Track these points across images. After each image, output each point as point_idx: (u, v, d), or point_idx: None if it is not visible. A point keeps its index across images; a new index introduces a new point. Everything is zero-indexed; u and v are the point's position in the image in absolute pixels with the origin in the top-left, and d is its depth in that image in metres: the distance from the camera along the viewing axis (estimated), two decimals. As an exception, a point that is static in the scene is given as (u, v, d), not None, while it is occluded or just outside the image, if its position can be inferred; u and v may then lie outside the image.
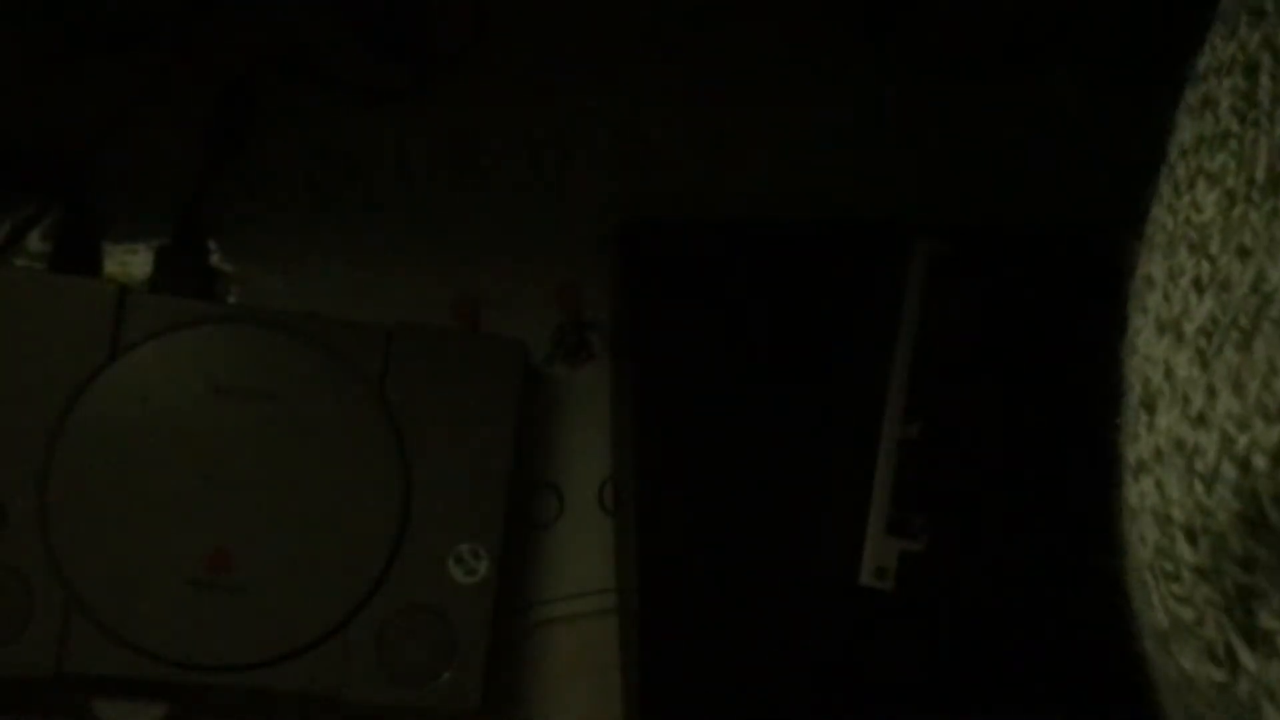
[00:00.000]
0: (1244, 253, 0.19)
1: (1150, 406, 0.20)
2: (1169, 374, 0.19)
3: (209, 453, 0.38)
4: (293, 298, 0.43)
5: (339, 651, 0.37)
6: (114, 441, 0.37)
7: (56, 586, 0.36)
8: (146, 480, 0.37)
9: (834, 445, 0.41)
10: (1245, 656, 0.17)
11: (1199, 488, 0.18)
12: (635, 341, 0.41)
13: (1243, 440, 0.17)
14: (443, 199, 0.45)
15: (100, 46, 0.44)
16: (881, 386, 0.41)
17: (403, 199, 0.44)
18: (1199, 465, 0.18)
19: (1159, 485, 0.19)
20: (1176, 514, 0.18)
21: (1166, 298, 0.20)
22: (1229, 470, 0.17)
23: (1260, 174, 0.19)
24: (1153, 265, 0.21)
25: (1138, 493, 0.20)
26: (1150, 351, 0.20)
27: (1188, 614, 0.18)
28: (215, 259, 0.43)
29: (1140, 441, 0.20)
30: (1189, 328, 0.19)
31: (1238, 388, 0.17)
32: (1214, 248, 0.20)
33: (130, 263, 0.43)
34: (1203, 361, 0.19)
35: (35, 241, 0.42)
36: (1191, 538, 0.18)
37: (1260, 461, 0.17)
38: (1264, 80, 0.20)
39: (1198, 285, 0.20)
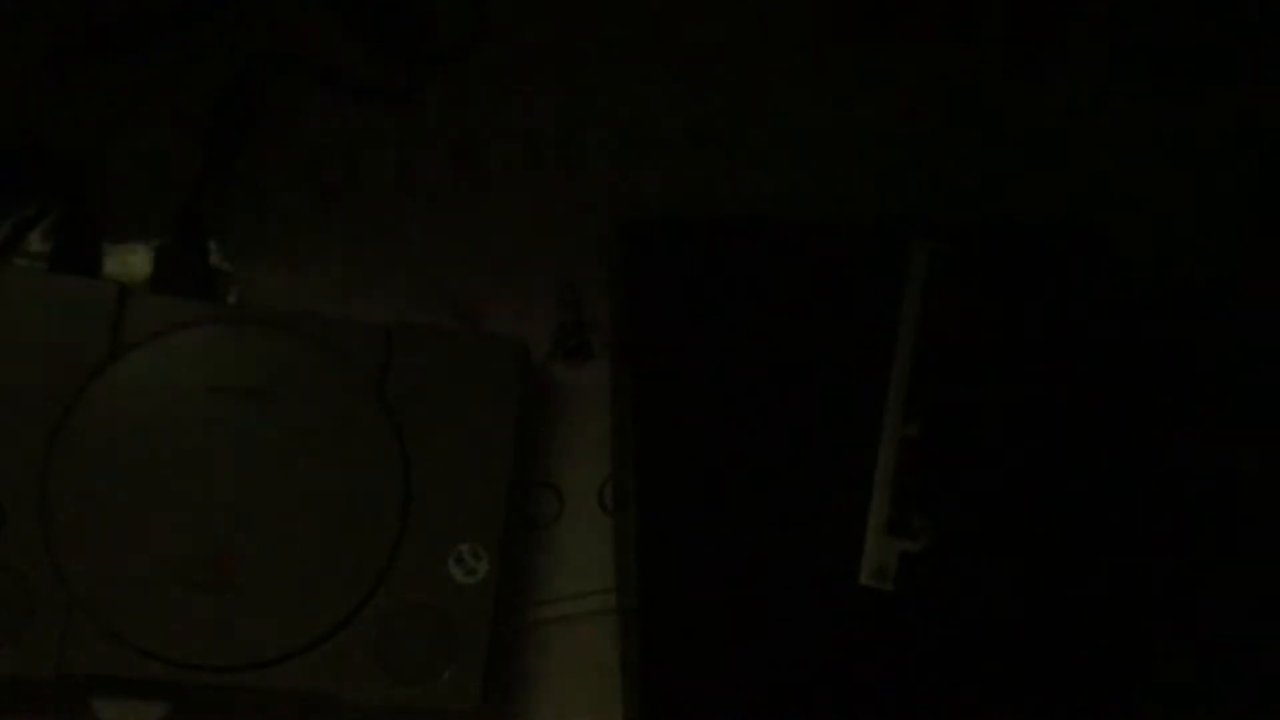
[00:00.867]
0: None
1: None
2: None
3: (209, 453, 0.38)
4: (293, 298, 0.43)
5: (339, 651, 0.37)
6: (114, 441, 0.37)
7: (56, 586, 0.36)
8: (146, 480, 0.37)
9: (834, 445, 0.41)
10: None
11: None
12: (635, 341, 0.41)
13: None
14: (442, 198, 0.45)
15: (100, 46, 0.44)
16: (881, 386, 0.41)
17: (403, 199, 0.44)
18: None
19: None
20: None
21: None
22: None
23: None
24: None
25: None
26: None
27: None
28: (215, 259, 0.43)
29: None
30: None
31: None
32: None
33: (130, 263, 0.43)
34: None
35: (35, 241, 0.42)
36: None
37: None
38: None
39: None
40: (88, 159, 0.43)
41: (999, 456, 0.42)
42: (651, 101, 0.46)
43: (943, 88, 0.47)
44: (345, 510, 0.38)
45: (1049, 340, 0.42)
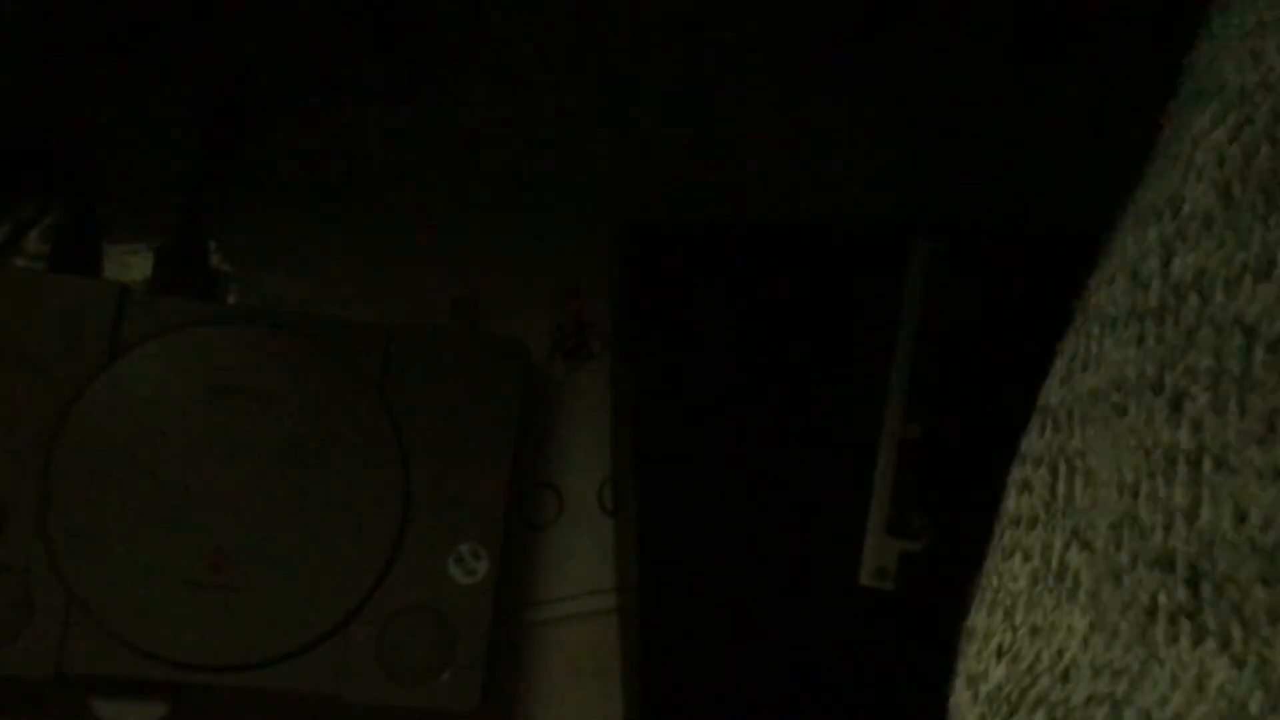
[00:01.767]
0: (1035, 631, 0.20)
1: None
2: None
3: (209, 453, 0.38)
4: (293, 298, 0.43)
5: (339, 651, 0.37)
6: (114, 441, 0.37)
7: (56, 586, 0.36)
8: (146, 480, 0.37)
9: (834, 445, 0.41)
10: None
11: None
12: (635, 341, 0.41)
13: None
14: (442, 199, 0.45)
15: (100, 46, 0.44)
16: (881, 386, 0.41)
17: (403, 199, 0.44)
18: None
19: None
20: None
21: (977, 655, 0.22)
22: None
23: (1054, 562, 0.21)
24: (976, 619, 0.23)
25: None
26: (957, 700, 0.22)
27: None
28: (215, 259, 0.43)
29: None
30: (983, 689, 0.21)
31: None
32: (1018, 619, 0.21)
33: (130, 263, 0.43)
34: None
35: (35, 241, 0.42)
36: None
37: None
38: (1060, 486, 0.23)
39: (999, 651, 0.21)
40: (88, 159, 0.43)
41: (999, 456, 0.42)
42: (651, 102, 0.46)
43: (943, 88, 0.47)
44: (345, 510, 0.38)
45: (1049, 340, 0.42)
